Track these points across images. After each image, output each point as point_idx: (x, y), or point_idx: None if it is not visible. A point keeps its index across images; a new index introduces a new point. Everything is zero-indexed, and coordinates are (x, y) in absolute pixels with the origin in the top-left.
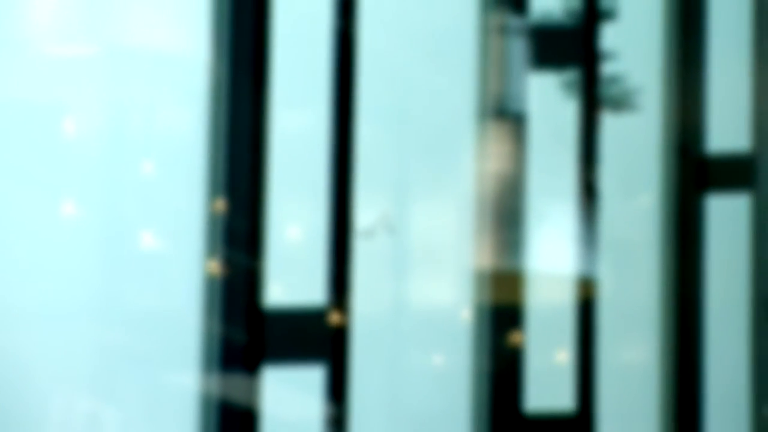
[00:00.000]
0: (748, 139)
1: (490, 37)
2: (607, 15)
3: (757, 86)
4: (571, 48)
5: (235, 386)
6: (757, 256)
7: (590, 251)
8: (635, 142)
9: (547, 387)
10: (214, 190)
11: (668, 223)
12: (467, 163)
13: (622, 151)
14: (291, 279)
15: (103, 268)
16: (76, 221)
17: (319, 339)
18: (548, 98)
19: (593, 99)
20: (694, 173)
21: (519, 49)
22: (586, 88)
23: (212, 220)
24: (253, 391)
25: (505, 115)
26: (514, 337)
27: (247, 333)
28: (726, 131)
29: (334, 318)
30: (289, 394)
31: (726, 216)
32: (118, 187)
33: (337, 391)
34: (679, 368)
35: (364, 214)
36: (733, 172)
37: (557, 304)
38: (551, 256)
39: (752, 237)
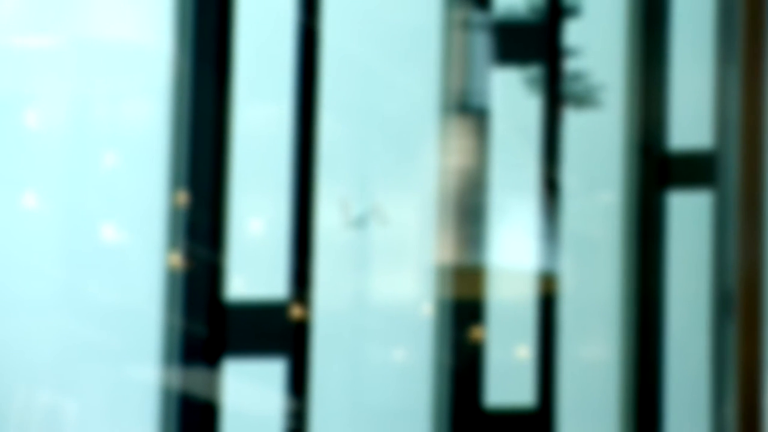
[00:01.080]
0: (710, 136)
1: (453, 32)
2: (571, 11)
3: (719, 84)
4: (535, 44)
5: (196, 380)
6: (718, 253)
7: (552, 247)
8: (597, 139)
9: (508, 382)
10: (176, 184)
11: (630, 219)
12: (430, 158)
13: (585, 148)
14: (252, 273)
15: (64, 261)
16: (37, 214)
17: (281, 333)
18: (511, 94)
19: (556, 95)
20: (656, 170)
21: (482, 44)
22: (549, 84)
23: (174, 213)
24: (214, 385)
25: (468, 110)
26: (476, 333)
27: (209, 326)
28: (688, 128)
29: (296, 312)
30: (250, 388)
31: (687, 213)
32: (79, 180)
33: (298, 385)
34: (639, 364)
35: (326, 208)
36: (694, 170)
37: (518, 300)
38: (513, 252)
39: (713, 234)
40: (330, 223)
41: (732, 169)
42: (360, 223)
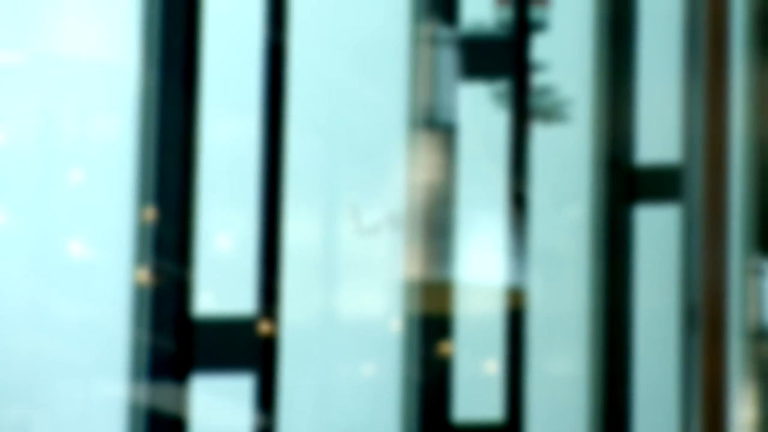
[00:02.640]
0: (677, 150)
1: (420, 47)
2: (538, 26)
3: (685, 98)
4: (502, 59)
5: (164, 395)
6: (685, 267)
7: (520, 262)
8: (565, 153)
9: (477, 397)
10: (143, 199)
11: (597, 234)
12: (397, 173)
13: (552, 162)
14: (220, 288)
15: (32, 276)
16: (4, 229)
17: (249, 348)
18: (479, 109)
19: (523, 110)
20: (624, 184)
21: (449, 59)
22: (517, 98)
23: (142, 228)
24: (182, 401)
25: (435, 125)
26: (444, 347)
27: (176, 342)
28: (655, 143)
29: (264, 327)
30: (218, 404)
31: (655, 227)
32: (47, 196)
33: (266, 400)
34: (607, 378)
35: (294, 223)
36: (662, 184)
37: (487, 315)
38: (481, 267)
39: (680, 248)
40: (298, 238)
41: (697, 183)
42: (373, 230)
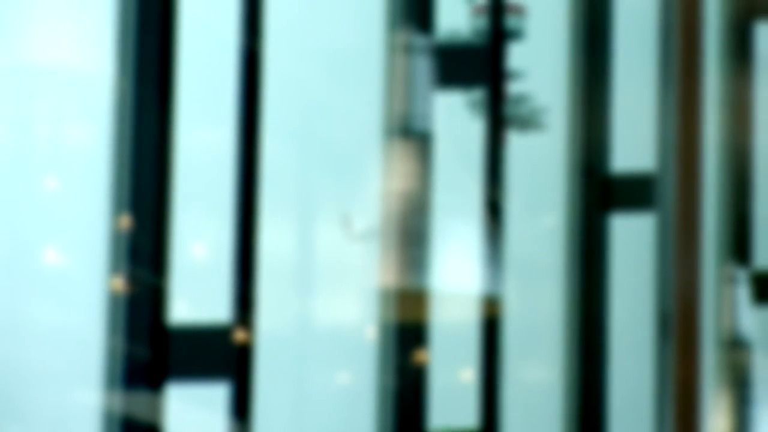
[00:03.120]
0: (653, 159)
1: (395, 55)
2: (513, 35)
3: (661, 107)
4: (477, 67)
5: (138, 404)
6: (659, 275)
7: (495, 270)
8: (540, 162)
9: (452, 405)
10: (118, 207)
11: (573, 242)
12: (373, 182)
13: (527, 171)
14: (195, 296)
15: (7, 284)
16: None
17: (224, 356)
18: (454, 117)
19: (499, 118)
20: (599, 193)
21: (425, 67)
22: (492, 107)
23: (116, 236)
24: (156, 409)
25: (410, 134)
26: (419, 355)
27: (151, 350)
28: (630, 151)
29: (239, 336)
30: (193, 412)
31: (630, 235)
32: (21, 204)
33: (242, 408)
34: (582, 386)
35: (269, 232)
36: (637, 192)
37: (462, 323)
38: (456, 275)
39: (654, 256)
40: (273, 246)
41: (669, 191)
42: (364, 237)
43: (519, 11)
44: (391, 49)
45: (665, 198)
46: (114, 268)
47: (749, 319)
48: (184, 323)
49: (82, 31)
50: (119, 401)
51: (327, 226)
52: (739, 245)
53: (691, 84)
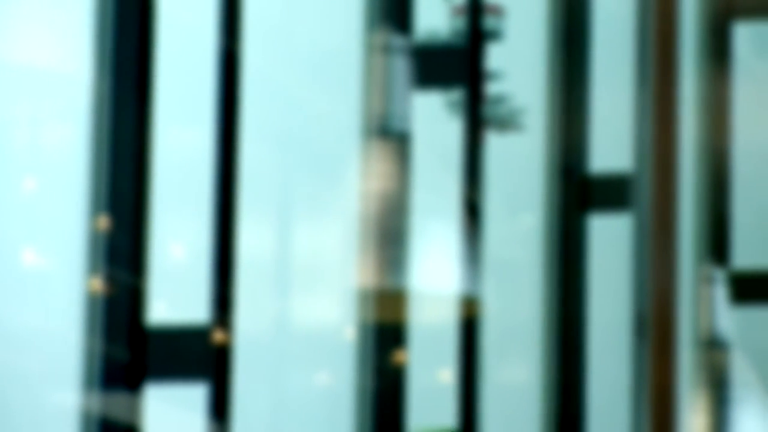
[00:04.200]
0: (630, 160)
1: (374, 56)
2: (492, 35)
3: (638, 108)
4: (456, 67)
5: (117, 405)
6: (635, 276)
7: (473, 270)
8: (518, 162)
9: (431, 405)
10: (96, 207)
11: (551, 242)
12: (351, 182)
13: (506, 171)
14: (174, 297)
15: None
16: None
17: (202, 357)
18: (432, 117)
19: (477, 119)
20: (577, 193)
21: (403, 68)
22: (471, 107)
23: (94, 237)
24: (135, 410)
25: (389, 134)
26: (398, 356)
27: (129, 351)
28: (608, 152)
29: (217, 336)
30: (171, 413)
31: (608, 236)
32: None
33: (220, 409)
34: (560, 386)
35: (247, 232)
36: (615, 193)
37: (440, 323)
38: (435, 275)
39: (631, 257)
40: (251, 247)
41: (646, 192)
42: None
43: (497, 12)
44: (370, 50)
45: (641, 198)
46: (92, 268)
47: (727, 319)
48: (162, 324)
49: (60, 31)
50: (97, 402)
51: (305, 226)
52: (716, 245)
53: (666, 85)
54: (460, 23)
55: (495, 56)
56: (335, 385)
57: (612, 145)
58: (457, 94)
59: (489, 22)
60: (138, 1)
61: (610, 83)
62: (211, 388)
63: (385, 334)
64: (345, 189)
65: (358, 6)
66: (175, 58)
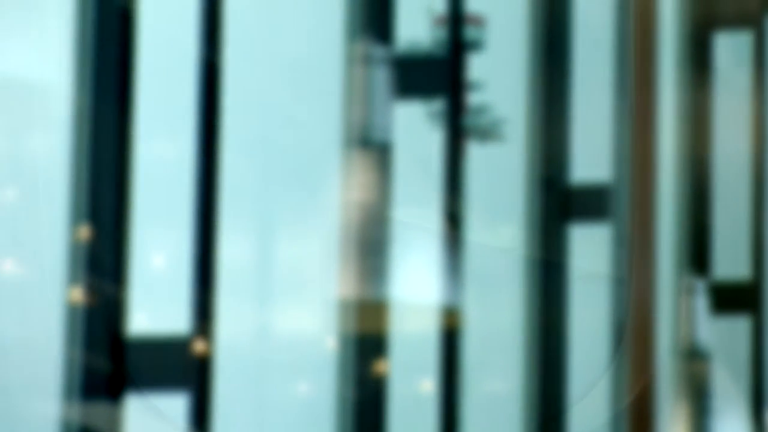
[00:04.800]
0: (610, 170)
1: (355, 66)
2: (473, 46)
3: (618, 118)
4: (437, 78)
5: (98, 415)
6: (615, 285)
7: (454, 280)
8: (499, 172)
9: (412, 416)
10: (77, 218)
11: (532, 252)
12: (332, 192)
13: (487, 181)
14: (154, 307)
15: None
16: None
17: (183, 367)
18: (413, 128)
19: (458, 129)
20: (558, 203)
21: (384, 78)
22: (452, 118)
23: (75, 247)
24: (115, 420)
25: (370, 144)
26: (379, 366)
27: (110, 361)
28: (589, 162)
29: (198, 346)
30: (152, 423)
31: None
32: None
33: (201, 419)
34: (541, 396)
35: (228, 242)
36: (595, 203)
37: (422, 333)
38: (416, 286)
39: (611, 267)
40: (232, 257)
41: (625, 202)
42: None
43: (478, 23)
44: (351, 60)
45: (621, 209)
46: (73, 279)
47: (707, 329)
48: (143, 334)
49: (42, 42)
50: (78, 412)
51: (286, 236)
52: (696, 255)
53: (646, 95)
54: (441, 34)
55: (476, 67)
56: (316, 395)
57: (592, 156)
58: (438, 105)
59: (470, 32)
60: (119, 12)
61: (591, 94)
62: (192, 398)
63: (366, 345)
64: (326, 199)
65: (339, 17)
66: (156, 69)
